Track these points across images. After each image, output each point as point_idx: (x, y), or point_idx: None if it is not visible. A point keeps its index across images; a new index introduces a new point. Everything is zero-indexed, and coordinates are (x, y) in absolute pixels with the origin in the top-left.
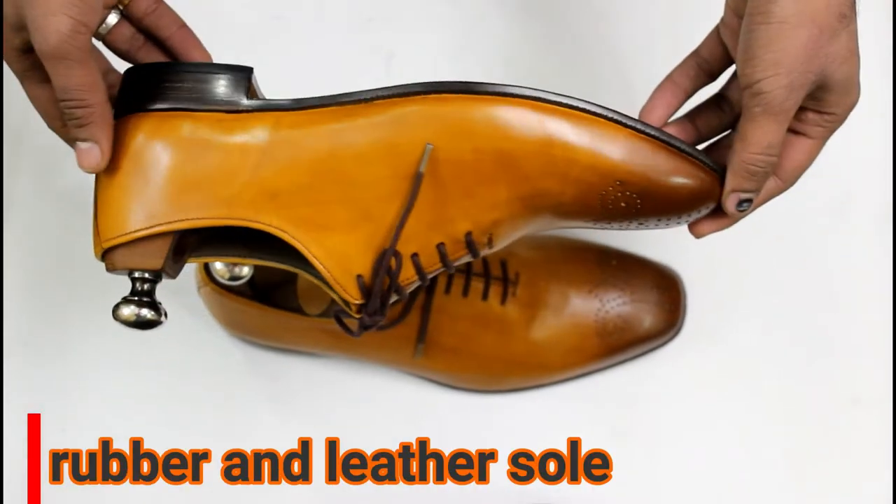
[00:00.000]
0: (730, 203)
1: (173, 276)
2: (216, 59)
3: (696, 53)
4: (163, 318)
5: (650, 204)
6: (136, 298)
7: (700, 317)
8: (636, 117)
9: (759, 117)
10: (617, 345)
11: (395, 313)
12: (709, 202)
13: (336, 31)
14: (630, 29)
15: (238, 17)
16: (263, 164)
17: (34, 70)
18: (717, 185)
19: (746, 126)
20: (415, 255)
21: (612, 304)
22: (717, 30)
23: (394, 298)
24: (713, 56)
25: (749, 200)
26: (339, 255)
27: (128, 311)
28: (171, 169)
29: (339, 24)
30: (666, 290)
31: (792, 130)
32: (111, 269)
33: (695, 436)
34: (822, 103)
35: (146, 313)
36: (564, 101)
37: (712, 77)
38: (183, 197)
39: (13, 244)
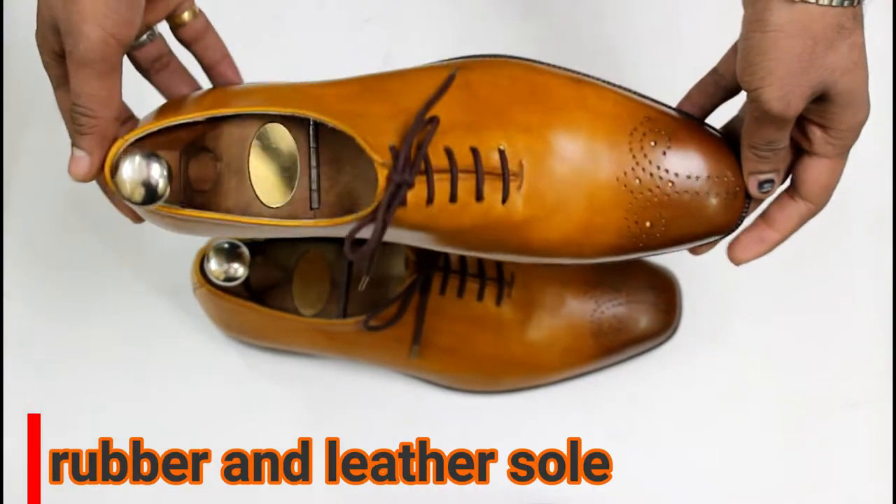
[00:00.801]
0: (752, 185)
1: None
2: None
3: (714, 71)
4: (167, 191)
5: (678, 145)
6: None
7: (696, 318)
8: None
9: (759, 119)
10: (612, 345)
11: (391, 314)
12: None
13: (334, 31)
14: (628, 29)
15: (236, 16)
16: (308, 82)
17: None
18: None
19: (749, 122)
20: (448, 148)
21: (608, 305)
22: (734, 46)
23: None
24: (730, 72)
25: (770, 181)
26: (373, 129)
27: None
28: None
29: (336, 24)
30: (662, 291)
31: (806, 151)
32: (118, 164)
33: (692, 436)
34: (826, 117)
35: (154, 163)
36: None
37: (731, 93)
38: (219, 98)
39: (13, 244)
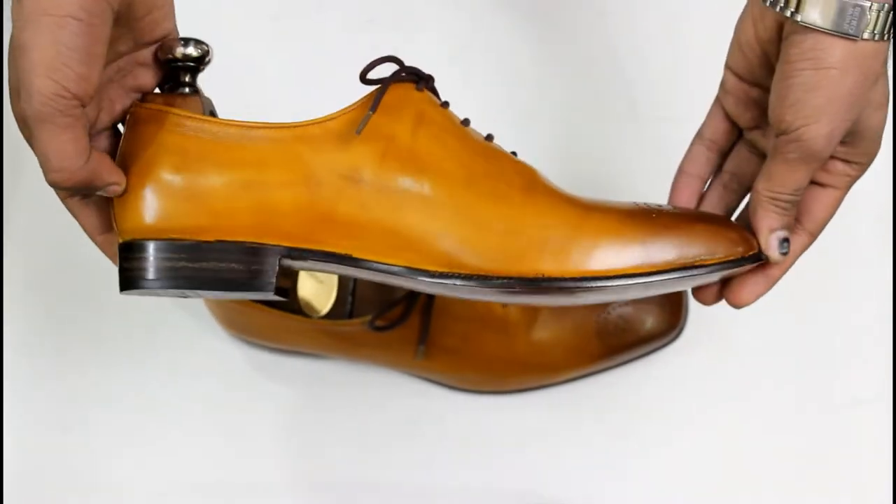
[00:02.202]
0: (773, 246)
1: None
2: (215, 60)
3: (699, 137)
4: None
5: None
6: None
7: (701, 318)
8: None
9: (793, 162)
10: (618, 346)
11: (396, 315)
12: None
13: (336, 32)
14: (631, 29)
15: (238, 17)
16: None
17: None
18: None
19: (778, 168)
20: None
21: (614, 306)
22: (716, 104)
23: None
24: (717, 133)
25: (787, 240)
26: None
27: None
28: None
29: (338, 25)
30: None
31: (817, 183)
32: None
33: (696, 436)
34: (851, 152)
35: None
36: None
37: (723, 155)
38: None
39: (14, 244)
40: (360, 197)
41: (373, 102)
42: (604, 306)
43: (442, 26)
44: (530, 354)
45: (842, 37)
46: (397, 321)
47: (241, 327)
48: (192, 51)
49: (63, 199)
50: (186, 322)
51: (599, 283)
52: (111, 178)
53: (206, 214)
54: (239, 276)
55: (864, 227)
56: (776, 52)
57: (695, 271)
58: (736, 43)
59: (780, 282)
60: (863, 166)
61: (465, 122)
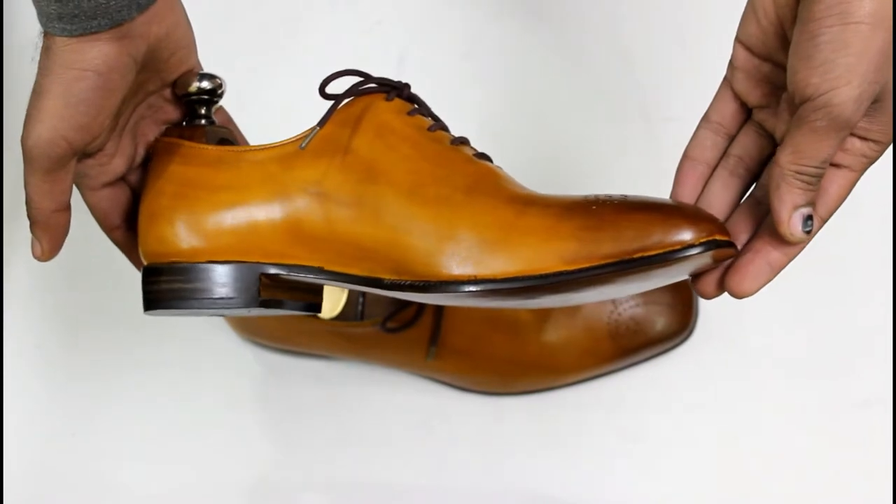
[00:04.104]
0: (797, 222)
1: None
2: (225, 61)
3: (706, 120)
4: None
5: None
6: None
7: (712, 318)
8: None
9: (820, 131)
10: (630, 347)
11: (409, 316)
12: None
13: (346, 32)
14: (638, 31)
15: (249, 18)
16: None
17: (82, 178)
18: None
19: (803, 138)
20: None
21: (625, 307)
22: (724, 85)
23: None
24: (724, 115)
25: (811, 217)
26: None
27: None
28: None
29: (348, 25)
30: (678, 292)
31: (833, 164)
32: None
33: (704, 437)
34: (870, 128)
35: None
36: None
37: (730, 138)
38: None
39: (18, 246)
40: (324, 211)
41: (322, 119)
42: (614, 307)
43: (450, 27)
44: (542, 356)
45: None
46: (409, 322)
47: (253, 329)
48: (206, 84)
49: (108, 233)
50: (198, 325)
51: (531, 283)
52: (47, 240)
53: (199, 237)
54: (227, 293)
55: (870, 228)
56: (792, 19)
57: (637, 264)
58: (750, 9)
59: (789, 283)
60: (881, 146)
61: (439, 126)
